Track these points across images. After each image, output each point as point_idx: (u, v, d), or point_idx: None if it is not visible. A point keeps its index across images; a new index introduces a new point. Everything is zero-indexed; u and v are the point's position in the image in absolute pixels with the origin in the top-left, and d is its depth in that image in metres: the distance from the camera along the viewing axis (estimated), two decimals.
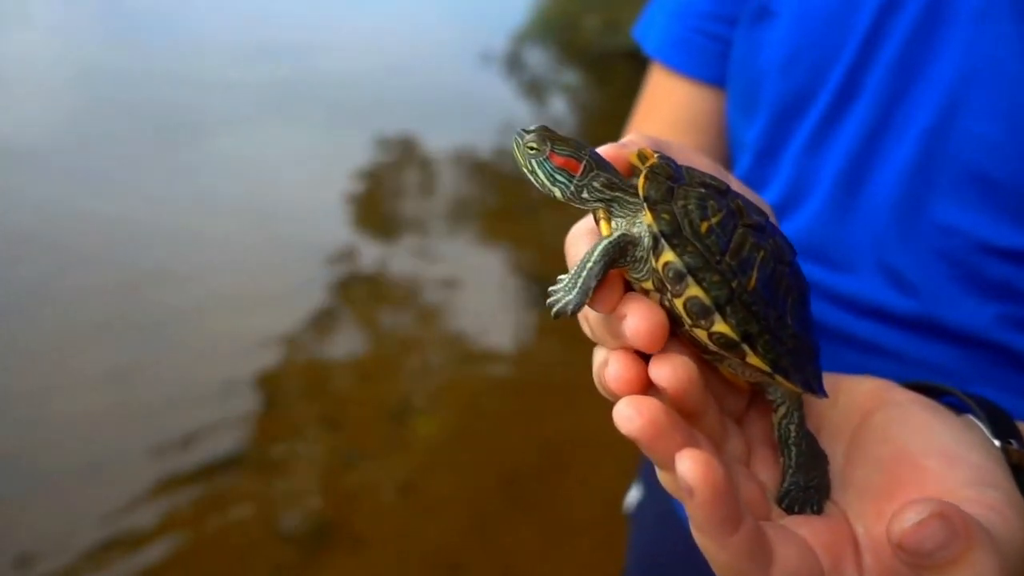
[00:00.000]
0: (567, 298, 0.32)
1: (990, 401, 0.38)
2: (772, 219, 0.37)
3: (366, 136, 3.13)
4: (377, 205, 2.77)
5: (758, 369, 0.33)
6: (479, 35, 4.18)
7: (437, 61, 3.83)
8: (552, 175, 0.35)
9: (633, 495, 0.83)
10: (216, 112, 3.19)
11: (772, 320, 0.33)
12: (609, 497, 1.64)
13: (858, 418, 0.37)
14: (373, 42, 3.98)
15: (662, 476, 0.32)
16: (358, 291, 2.33)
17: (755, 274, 0.33)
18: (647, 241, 0.33)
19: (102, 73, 3.44)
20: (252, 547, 1.55)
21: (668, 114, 0.69)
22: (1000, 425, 0.37)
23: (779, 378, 0.34)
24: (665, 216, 0.32)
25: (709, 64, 0.65)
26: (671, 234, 0.32)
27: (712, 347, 0.33)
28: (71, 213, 2.51)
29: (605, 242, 0.32)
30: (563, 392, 1.96)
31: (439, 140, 3.14)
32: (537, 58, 4.17)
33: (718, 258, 0.32)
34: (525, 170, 0.35)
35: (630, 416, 0.29)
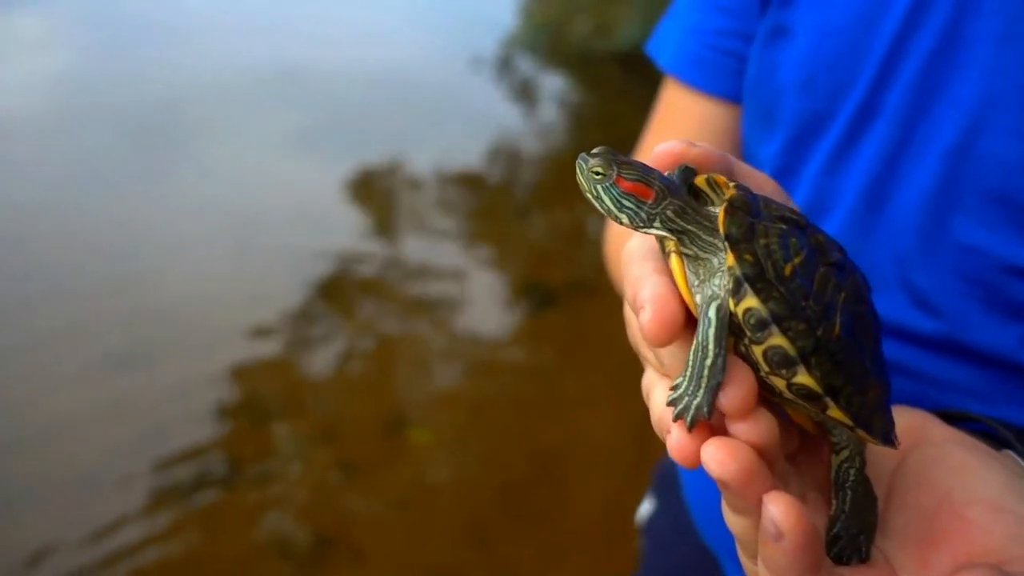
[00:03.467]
0: (695, 402, 0.29)
1: None
2: None
3: (355, 141, 3.11)
4: (366, 211, 2.75)
5: (838, 421, 0.32)
6: (469, 40, 4.18)
7: (427, 65, 3.82)
8: (619, 201, 0.32)
9: (646, 508, 0.83)
10: (203, 118, 3.16)
11: (854, 368, 0.31)
12: (608, 506, 1.64)
13: (896, 456, 0.37)
14: (362, 46, 3.97)
15: (735, 519, 0.31)
16: (349, 300, 2.31)
17: (838, 319, 0.31)
18: (728, 281, 0.31)
19: (87, 80, 3.40)
20: (249, 565, 1.53)
21: (682, 129, 0.69)
22: None
23: (861, 432, 0.32)
24: (748, 257, 0.30)
25: (724, 80, 0.65)
26: (755, 278, 0.30)
27: (788, 395, 0.31)
28: (53, 217, 2.47)
29: (714, 330, 0.30)
30: (559, 400, 1.95)
31: (429, 145, 3.13)
32: (527, 62, 4.17)
33: (803, 303, 0.30)
34: (589, 196, 0.33)
35: (722, 460, 0.28)
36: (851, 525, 0.33)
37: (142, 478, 1.67)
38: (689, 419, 0.29)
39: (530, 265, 2.53)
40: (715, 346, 0.29)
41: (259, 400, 1.91)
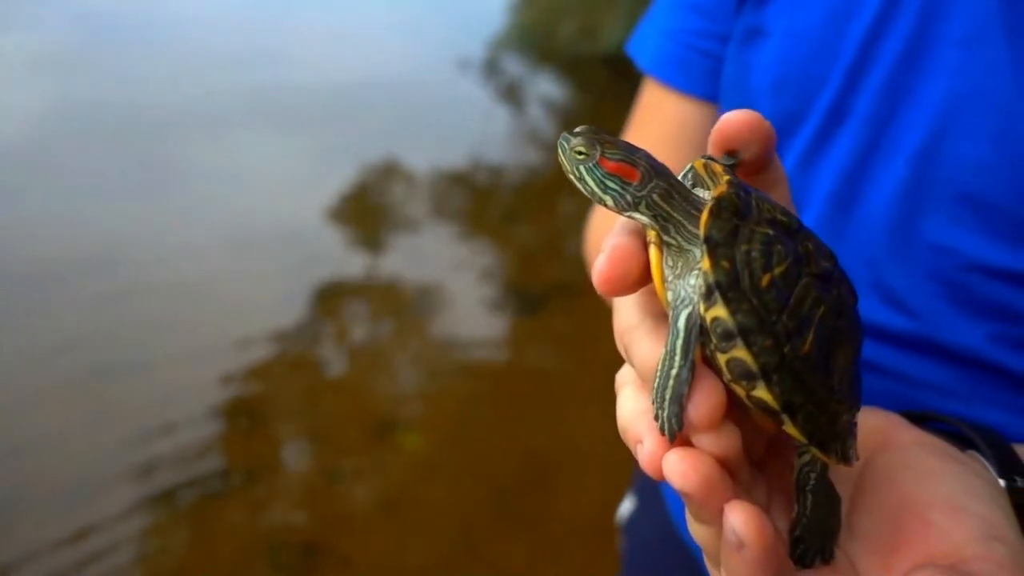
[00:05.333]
0: (664, 415, 0.29)
1: (995, 432, 0.38)
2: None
3: (343, 144, 3.11)
4: (355, 215, 2.75)
5: (793, 437, 0.32)
6: (456, 42, 4.18)
7: (415, 68, 3.82)
8: (603, 182, 0.31)
9: (626, 506, 0.83)
10: (193, 120, 3.15)
11: (819, 386, 0.31)
12: (598, 506, 1.65)
13: (863, 458, 0.37)
14: (351, 49, 3.96)
15: (698, 528, 0.31)
16: (337, 303, 2.31)
17: (811, 336, 0.30)
18: (701, 285, 0.30)
19: (76, 80, 3.38)
20: (238, 573, 1.52)
21: (661, 128, 0.69)
22: (1005, 460, 0.37)
23: (815, 450, 0.32)
24: (724, 264, 0.29)
25: (702, 80, 0.65)
26: (727, 287, 0.29)
27: (748, 404, 0.31)
28: (43, 222, 2.45)
29: (681, 341, 0.29)
30: (548, 402, 1.96)
31: (417, 148, 3.13)
32: (515, 64, 4.17)
33: (774, 318, 0.29)
34: (572, 177, 0.32)
35: (684, 472, 0.28)
36: (813, 528, 0.33)
37: (126, 486, 1.66)
38: (667, 432, 0.29)
39: (517, 267, 2.54)
40: (681, 357, 0.29)
41: (245, 405, 1.90)
